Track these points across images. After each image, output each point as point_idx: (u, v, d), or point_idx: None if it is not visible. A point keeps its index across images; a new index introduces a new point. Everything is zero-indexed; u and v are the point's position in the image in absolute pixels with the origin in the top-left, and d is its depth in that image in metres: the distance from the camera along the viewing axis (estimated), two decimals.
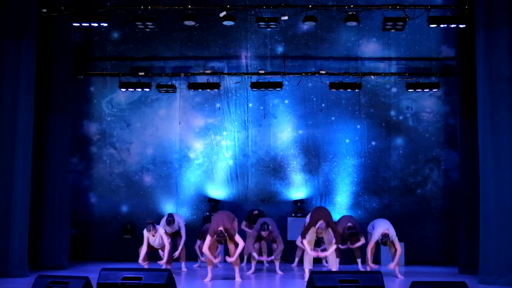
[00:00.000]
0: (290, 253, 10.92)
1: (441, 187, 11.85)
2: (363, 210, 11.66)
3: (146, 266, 9.06)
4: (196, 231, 10.87)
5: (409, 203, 11.80)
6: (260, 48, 12.21)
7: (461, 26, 10.02)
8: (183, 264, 9.94)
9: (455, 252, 10.28)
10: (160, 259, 9.47)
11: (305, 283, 6.49)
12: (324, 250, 9.23)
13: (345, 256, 10.47)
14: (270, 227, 9.56)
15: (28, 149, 9.14)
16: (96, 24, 10.42)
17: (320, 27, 11.83)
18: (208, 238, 8.72)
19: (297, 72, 11.88)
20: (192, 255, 10.54)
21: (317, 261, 10.36)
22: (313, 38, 12.12)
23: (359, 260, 10.21)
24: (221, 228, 8.63)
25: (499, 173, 8.57)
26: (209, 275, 8.84)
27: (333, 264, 8.96)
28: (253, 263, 9.84)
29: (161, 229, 9.26)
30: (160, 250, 9.51)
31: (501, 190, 8.53)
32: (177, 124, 12.16)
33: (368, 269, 9.62)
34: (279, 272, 9.71)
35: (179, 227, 10.01)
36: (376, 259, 10.33)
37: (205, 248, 8.73)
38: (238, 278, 8.87)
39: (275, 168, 11.97)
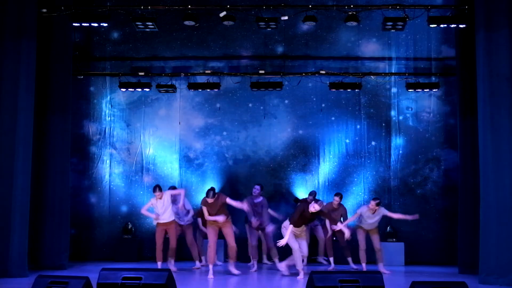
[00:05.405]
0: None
1: (441, 187, 11.85)
2: None
3: (159, 265, 9.42)
4: (194, 230, 10.85)
5: (409, 203, 11.79)
6: (260, 48, 12.21)
7: (461, 26, 10.02)
8: (172, 261, 9.78)
9: (455, 252, 10.27)
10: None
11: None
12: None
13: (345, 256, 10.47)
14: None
15: (28, 149, 9.14)
16: (96, 24, 10.44)
17: (320, 27, 11.83)
18: (204, 208, 9.23)
19: (297, 72, 11.88)
20: (189, 257, 10.55)
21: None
22: (313, 38, 12.12)
23: (349, 259, 10.31)
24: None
25: (499, 173, 8.57)
26: (211, 272, 9.06)
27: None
28: (254, 262, 9.99)
29: (168, 192, 9.76)
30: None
31: (501, 190, 8.53)
32: (177, 124, 12.16)
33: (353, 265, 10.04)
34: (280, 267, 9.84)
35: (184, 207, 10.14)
36: (374, 259, 10.33)
37: (206, 215, 9.17)
38: (235, 271, 9.24)
39: (275, 168, 11.97)
